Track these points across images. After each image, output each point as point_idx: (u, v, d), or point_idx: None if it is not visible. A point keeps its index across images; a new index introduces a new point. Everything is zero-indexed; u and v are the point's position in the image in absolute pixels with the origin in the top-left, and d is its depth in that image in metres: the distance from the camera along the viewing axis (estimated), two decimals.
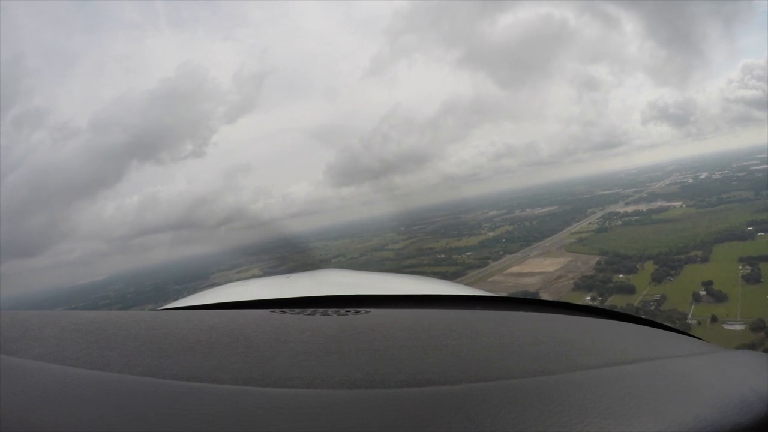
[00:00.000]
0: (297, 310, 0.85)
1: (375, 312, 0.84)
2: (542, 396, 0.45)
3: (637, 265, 21.87)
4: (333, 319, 0.77)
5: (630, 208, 35.15)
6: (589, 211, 37.81)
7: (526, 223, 38.68)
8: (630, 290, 19.50)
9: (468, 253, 32.82)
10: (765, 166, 37.77)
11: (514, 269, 25.82)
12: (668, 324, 1.00)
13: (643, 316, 1.14)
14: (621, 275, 21.28)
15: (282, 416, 0.41)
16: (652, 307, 17.38)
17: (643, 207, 34.93)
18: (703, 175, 41.87)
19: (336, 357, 0.57)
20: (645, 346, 0.71)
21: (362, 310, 0.83)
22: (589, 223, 34.07)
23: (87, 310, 0.81)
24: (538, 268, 24.79)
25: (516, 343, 0.64)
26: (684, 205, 32.78)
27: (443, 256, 34.08)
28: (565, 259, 25.46)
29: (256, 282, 1.95)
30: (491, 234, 37.71)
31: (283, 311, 0.84)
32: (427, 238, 41.75)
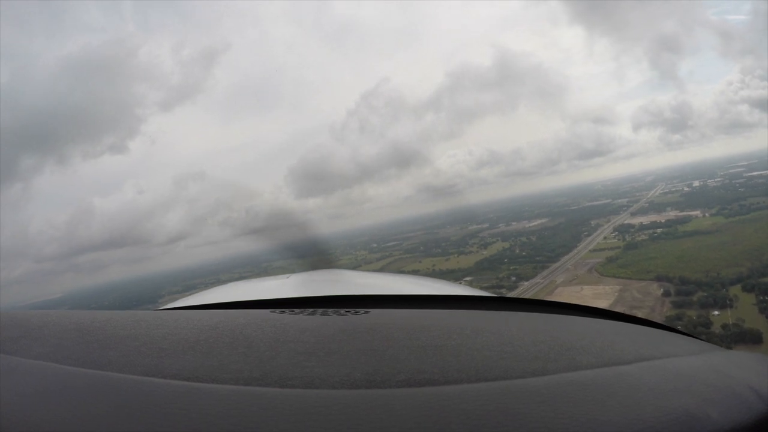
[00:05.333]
0: (297, 310, 0.84)
1: (375, 312, 0.84)
2: (542, 396, 0.46)
3: (726, 295, 16.04)
4: (333, 319, 0.77)
5: (644, 219, 30.28)
6: (594, 223, 32.75)
7: (523, 239, 32.83)
8: (755, 338, 13.45)
9: (467, 279, 26.17)
10: (758, 173, 35.41)
11: None
12: (668, 324, 0.98)
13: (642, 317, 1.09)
14: (716, 312, 15.28)
15: (282, 416, 0.41)
16: None
17: (656, 218, 30.26)
18: (697, 183, 38.85)
19: (336, 357, 0.57)
20: (645, 346, 0.70)
21: (362, 310, 0.83)
22: (605, 238, 28.69)
23: (87, 310, 0.80)
24: (582, 303, 18.40)
25: (516, 343, 0.64)
26: (707, 215, 28.34)
27: None
28: (611, 287, 19.38)
29: (256, 282, 1.93)
30: (485, 252, 31.46)
31: (283, 311, 0.83)
32: (406, 258, 34.92)
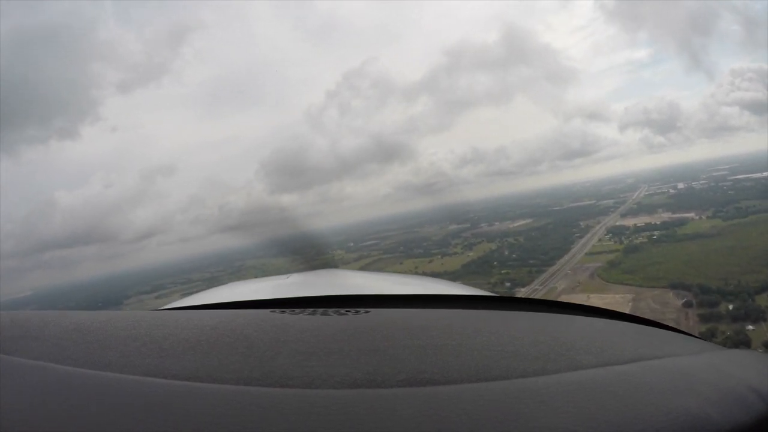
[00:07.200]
0: (297, 310, 0.84)
1: (375, 312, 0.84)
2: (542, 396, 0.46)
3: (757, 307, 14.12)
4: (333, 319, 0.77)
5: (637, 221, 28.66)
6: (583, 224, 30.97)
7: (510, 240, 30.69)
8: None
9: None
10: (744, 176, 34.85)
11: None
12: (668, 324, 1.03)
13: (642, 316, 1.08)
14: (750, 326, 13.28)
15: (282, 416, 0.41)
16: None
17: (650, 219, 28.69)
18: (681, 186, 37.89)
19: (336, 357, 0.57)
20: (645, 345, 0.71)
21: (362, 310, 0.83)
22: (599, 240, 26.85)
23: (87, 310, 0.80)
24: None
25: (516, 343, 0.64)
26: (703, 217, 26.94)
27: None
28: (621, 296, 17.28)
29: (256, 282, 1.97)
30: (471, 254, 29.12)
31: (283, 311, 0.84)
32: (386, 258, 32.10)
